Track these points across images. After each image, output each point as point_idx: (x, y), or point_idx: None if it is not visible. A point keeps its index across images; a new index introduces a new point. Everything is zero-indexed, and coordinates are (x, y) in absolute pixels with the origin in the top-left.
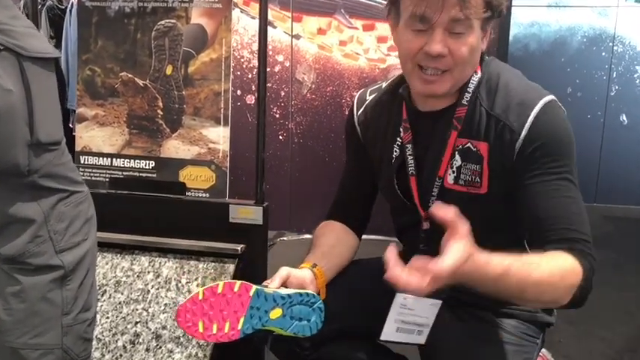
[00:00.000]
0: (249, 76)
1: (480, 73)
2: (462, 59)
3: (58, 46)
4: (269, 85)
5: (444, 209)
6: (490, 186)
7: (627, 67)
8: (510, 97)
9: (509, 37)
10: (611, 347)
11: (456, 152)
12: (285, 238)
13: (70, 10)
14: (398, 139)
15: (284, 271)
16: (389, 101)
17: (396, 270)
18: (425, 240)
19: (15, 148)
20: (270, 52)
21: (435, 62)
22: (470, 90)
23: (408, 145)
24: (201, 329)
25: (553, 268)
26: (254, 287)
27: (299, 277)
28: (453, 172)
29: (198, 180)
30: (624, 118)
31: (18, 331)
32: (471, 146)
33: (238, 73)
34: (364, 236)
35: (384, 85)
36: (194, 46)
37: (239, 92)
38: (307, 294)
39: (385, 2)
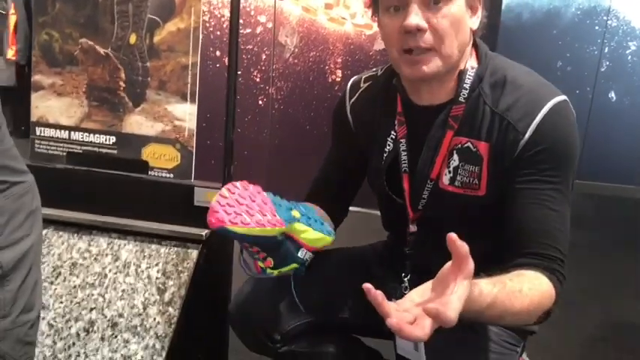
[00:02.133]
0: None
1: (477, 65)
2: (444, 32)
3: None
4: (250, 47)
5: (460, 244)
6: (488, 188)
7: (620, 42)
8: (518, 94)
9: (501, 5)
10: (586, 334)
11: (454, 151)
12: None
13: None
14: (392, 132)
15: None
16: (384, 91)
17: (398, 321)
18: (411, 244)
19: None
20: (252, 13)
21: (416, 40)
22: (467, 85)
23: (402, 141)
24: (247, 218)
25: (534, 297)
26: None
27: None
28: (450, 172)
29: (161, 159)
30: (613, 95)
31: None
32: (471, 146)
33: (218, 33)
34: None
35: (380, 72)
36: (160, 13)
37: (218, 53)
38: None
39: None
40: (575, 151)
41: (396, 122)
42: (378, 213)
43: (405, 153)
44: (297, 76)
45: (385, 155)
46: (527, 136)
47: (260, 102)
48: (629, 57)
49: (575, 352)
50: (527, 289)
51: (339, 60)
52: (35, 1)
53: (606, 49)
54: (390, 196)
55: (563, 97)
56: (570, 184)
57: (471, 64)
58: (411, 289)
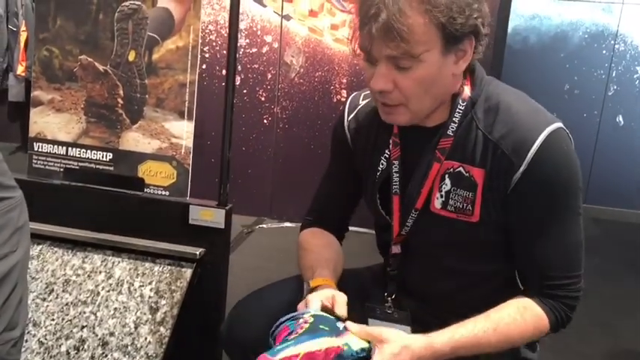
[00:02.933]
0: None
1: (470, 92)
2: (411, 93)
3: None
4: (255, 66)
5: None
6: (482, 214)
7: (627, 66)
8: (512, 123)
9: (507, 28)
10: None
11: (446, 176)
12: (264, 226)
13: None
14: (386, 151)
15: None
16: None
17: None
18: (394, 265)
19: None
20: (259, 33)
21: (382, 97)
22: (457, 117)
23: (395, 162)
24: None
25: (509, 333)
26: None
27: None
28: (442, 195)
29: (158, 176)
30: (620, 119)
31: None
32: (463, 171)
33: (224, 52)
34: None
35: None
36: (159, 31)
37: (224, 72)
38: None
39: None
40: (575, 178)
41: (390, 142)
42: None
43: (397, 175)
44: (302, 96)
45: (378, 174)
46: (522, 169)
47: (265, 121)
48: (637, 81)
49: None
50: (507, 321)
51: (344, 80)
52: (37, 18)
53: (614, 73)
54: (382, 216)
55: (557, 125)
56: (576, 208)
57: (463, 94)
58: (394, 308)
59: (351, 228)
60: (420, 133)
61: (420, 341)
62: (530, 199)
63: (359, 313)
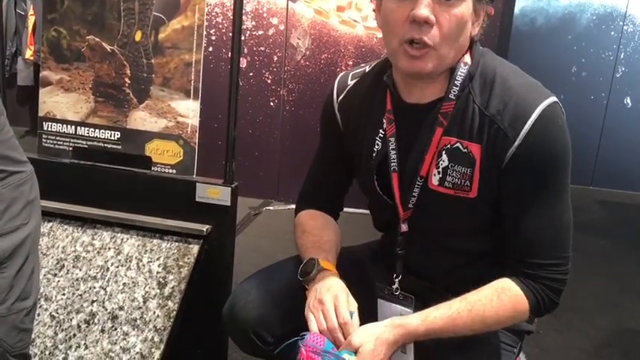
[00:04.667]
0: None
1: (470, 63)
2: (449, 31)
3: None
4: (262, 48)
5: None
6: (480, 190)
7: (636, 48)
8: (507, 97)
9: (514, 9)
10: (590, 341)
11: (443, 152)
12: (271, 208)
13: None
14: (380, 130)
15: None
16: (372, 88)
17: None
18: (403, 243)
19: None
20: (265, 15)
21: (421, 32)
22: (458, 83)
23: (391, 139)
24: None
25: (484, 315)
26: None
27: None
28: (439, 172)
29: (165, 155)
30: (628, 101)
31: None
32: (461, 146)
33: (230, 34)
34: (347, 209)
35: (368, 69)
36: (165, 11)
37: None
38: None
39: None
40: (567, 153)
41: (384, 120)
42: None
43: (395, 152)
44: (308, 78)
45: (374, 155)
46: (517, 143)
47: (271, 103)
48: None
49: (581, 358)
50: (483, 302)
51: (350, 62)
52: None
53: (622, 55)
54: (381, 196)
55: (552, 100)
56: (565, 184)
57: (463, 61)
58: (401, 290)
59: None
60: (415, 109)
61: (392, 326)
62: (522, 172)
63: (359, 293)
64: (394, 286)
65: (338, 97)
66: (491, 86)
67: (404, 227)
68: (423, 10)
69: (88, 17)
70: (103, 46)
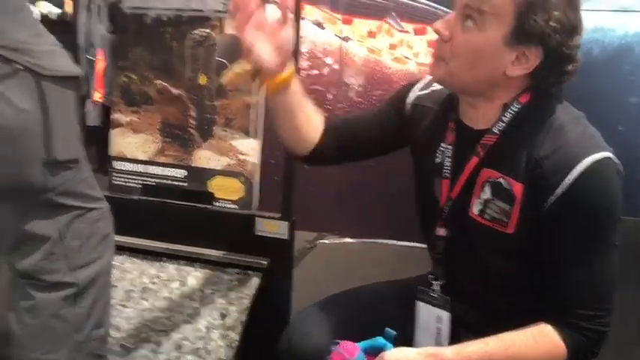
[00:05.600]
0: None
1: (526, 104)
2: (457, 53)
3: None
4: (317, 87)
5: None
6: (517, 228)
7: None
8: (558, 144)
9: None
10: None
11: (487, 184)
12: (326, 241)
13: None
14: (444, 136)
15: None
16: (447, 100)
17: None
18: (440, 248)
19: (30, 167)
20: (320, 55)
21: (438, 45)
22: (506, 119)
23: (449, 147)
24: None
25: (520, 356)
26: None
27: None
28: (480, 203)
29: (227, 191)
30: None
31: (30, 347)
32: (503, 182)
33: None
34: (389, 241)
35: None
36: (228, 57)
37: None
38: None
39: (439, 6)
40: (613, 211)
41: (447, 128)
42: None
43: (450, 160)
44: None
45: (438, 160)
46: (559, 191)
47: None
48: None
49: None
50: (519, 344)
51: None
52: (117, 48)
53: None
54: (433, 196)
55: (604, 154)
56: (609, 241)
57: (518, 99)
58: (442, 293)
59: (385, 241)
60: (467, 131)
61: (426, 354)
62: (564, 222)
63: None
64: (432, 287)
65: (421, 89)
66: (547, 130)
67: (440, 231)
68: (438, 24)
69: (156, 64)
70: (169, 89)
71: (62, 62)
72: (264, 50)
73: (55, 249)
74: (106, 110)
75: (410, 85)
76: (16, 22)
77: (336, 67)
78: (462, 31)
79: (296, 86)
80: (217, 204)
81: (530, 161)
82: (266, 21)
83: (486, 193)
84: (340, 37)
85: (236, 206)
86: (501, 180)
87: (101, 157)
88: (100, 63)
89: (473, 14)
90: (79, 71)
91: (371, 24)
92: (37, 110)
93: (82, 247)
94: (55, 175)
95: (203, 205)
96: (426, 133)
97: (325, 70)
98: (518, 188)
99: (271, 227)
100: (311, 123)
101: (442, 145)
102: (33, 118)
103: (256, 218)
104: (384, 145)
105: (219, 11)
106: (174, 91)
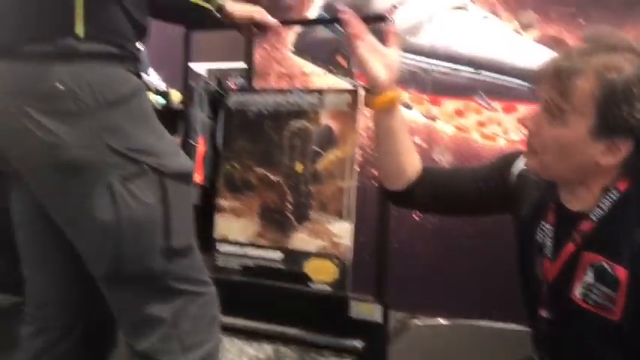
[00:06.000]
0: None
1: (625, 190)
2: (546, 147)
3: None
4: None
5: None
6: (624, 315)
7: None
8: None
9: None
10: None
11: (589, 268)
12: (418, 322)
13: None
14: (546, 214)
15: None
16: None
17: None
18: (542, 328)
19: (150, 255)
20: None
21: (528, 136)
22: (605, 207)
23: (550, 227)
24: None
25: None
26: None
27: None
28: (583, 287)
29: (321, 273)
30: None
31: None
32: (607, 267)
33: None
34: (485, 323)
35: None
36: (322, 145)
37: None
38: None
39: (525, 83)
40: None
41: (549, 208)
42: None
43: (551, 240)
44: None
45: (537, 238)
46: None
47: (416, 217)
48: None
49: None
50: None
51: None
52: (223, 139)
53: None
54: (535, 275)
55: None
56: None
57: (616, 186)
58: None
59: (482, 322)
60: (565, 212)
61: None
62: None
63: None
64: None
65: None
66: None
67: (542, 313)
68: (525, 118)
69: (257, 153)
70: (269, 176)
71: (181, 160)
72: (376, 65)
73: (170, 331)
74: (204, 191)
75: (517, 154)
76: (146, 128)
77: (424, 145)
78: (548, 125)
79: (401, 114)
80: (312, 285)
81: (634, 246)
82: (376, 43)
83: (589, 277)
84: (427, 117)
85: (329, 288)
86: (604, 264)
87: (201, 236)
88: (201, 148)
89: (555, 111)
90: (193, 167)
91: (458, 103)
92: (159, 204)
93: (194, 329)
94: (172, 262)
95: (299, 287)
96: (530, 208)
97: None
98: (622, 273)
99: (365, 310)
100: (410, 155)
101: (543, 223)
102: (155, 211)
103: (350, 301)
104: (480, 206)
105: (315, 105)
106: (273, 177)
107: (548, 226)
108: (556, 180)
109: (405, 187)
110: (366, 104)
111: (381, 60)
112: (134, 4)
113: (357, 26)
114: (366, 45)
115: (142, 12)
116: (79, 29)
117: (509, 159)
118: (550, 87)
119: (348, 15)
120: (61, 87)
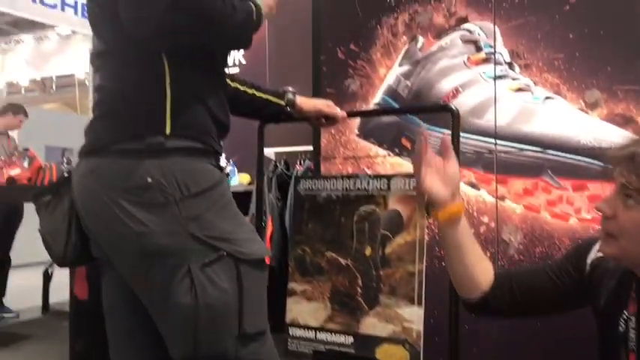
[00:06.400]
0: None
1: None
2: (625, 230)
3: (283, 206)
4: None
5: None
6: None
7: None
8: None
9: None
10: None
11: None
12: None
13: (294, 177)
14: (627, 304)
15: None
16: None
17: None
18: None
19: (225, 339)
20: (475, 214)
21: (603, 221)
22: None
23: (632, 318)
24: None
25: None
26: None
27: None
28: None
29: (393, 358)
30: None
31: None
32: None
33: None
34: None
35: None
36: (391, 229)
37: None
38: None
39: (595, 161)
40: None
41: (630, 297)
42: None
43: (634, 331)
44: None
45: (620, 329)
46: None
47: None
48: None
49: None
50: None
51: None
52: (293, 224)
53: None
54: None
55: None
56: None
57: None
58: None
59: None
60: None
61: None
62: None
63: None
64: None
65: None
66: None
67: None
68: (599, 204)
69: (327, 237)
70: (339, 260)
71: (256, 246)
72: (435, 183)
73: None
74: (271, 270)
75: (590, 243)
76: (225, 216)
77: (492, 225)
78: (625, 208)
79: (465, 224)
80: None
81: None
82: (434, 158)
83: None
84: (495, 197)
85: None
86: None
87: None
88: (269, 227)
89: (632, 194)
90: (268, 253)
91: (526, 182)
92: (235, 290)
93: None
94: (245, 347)
95: None
96: (609, 298)
97: (481, 229)
98: None
99: None
100: (481, 265)
101: (625, 313)
102: (231, 297)
103: None
104: (560, 303)
105: (382, 189)
106: (343, 261)
107: (629, 315)
108: (635, 266)
109: (479, 297)
110: (430, 216)
111: (441, 177)
112: (217, 105)
113: (426, 148)
114: (425, 163)
115: (224, 111)
116: (168, 128)
117: (582, 249)
118: (626, 170)
119: (425, 134)
120: (150, 180)
